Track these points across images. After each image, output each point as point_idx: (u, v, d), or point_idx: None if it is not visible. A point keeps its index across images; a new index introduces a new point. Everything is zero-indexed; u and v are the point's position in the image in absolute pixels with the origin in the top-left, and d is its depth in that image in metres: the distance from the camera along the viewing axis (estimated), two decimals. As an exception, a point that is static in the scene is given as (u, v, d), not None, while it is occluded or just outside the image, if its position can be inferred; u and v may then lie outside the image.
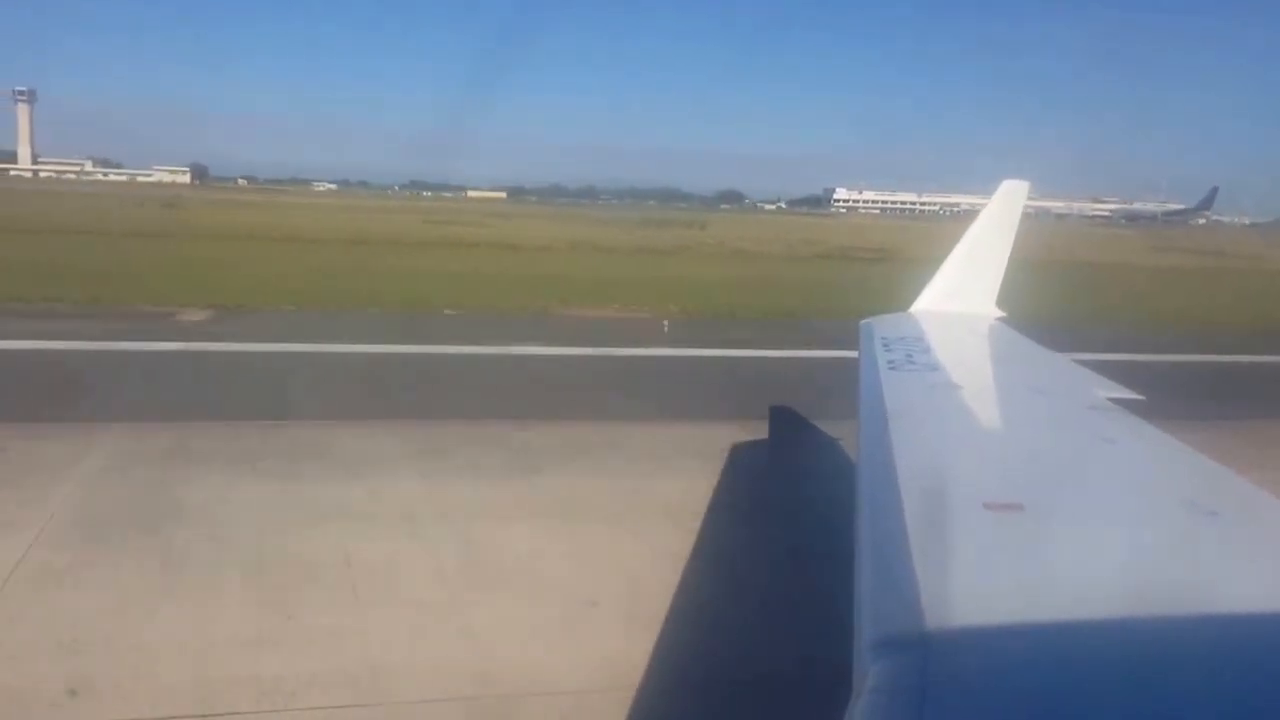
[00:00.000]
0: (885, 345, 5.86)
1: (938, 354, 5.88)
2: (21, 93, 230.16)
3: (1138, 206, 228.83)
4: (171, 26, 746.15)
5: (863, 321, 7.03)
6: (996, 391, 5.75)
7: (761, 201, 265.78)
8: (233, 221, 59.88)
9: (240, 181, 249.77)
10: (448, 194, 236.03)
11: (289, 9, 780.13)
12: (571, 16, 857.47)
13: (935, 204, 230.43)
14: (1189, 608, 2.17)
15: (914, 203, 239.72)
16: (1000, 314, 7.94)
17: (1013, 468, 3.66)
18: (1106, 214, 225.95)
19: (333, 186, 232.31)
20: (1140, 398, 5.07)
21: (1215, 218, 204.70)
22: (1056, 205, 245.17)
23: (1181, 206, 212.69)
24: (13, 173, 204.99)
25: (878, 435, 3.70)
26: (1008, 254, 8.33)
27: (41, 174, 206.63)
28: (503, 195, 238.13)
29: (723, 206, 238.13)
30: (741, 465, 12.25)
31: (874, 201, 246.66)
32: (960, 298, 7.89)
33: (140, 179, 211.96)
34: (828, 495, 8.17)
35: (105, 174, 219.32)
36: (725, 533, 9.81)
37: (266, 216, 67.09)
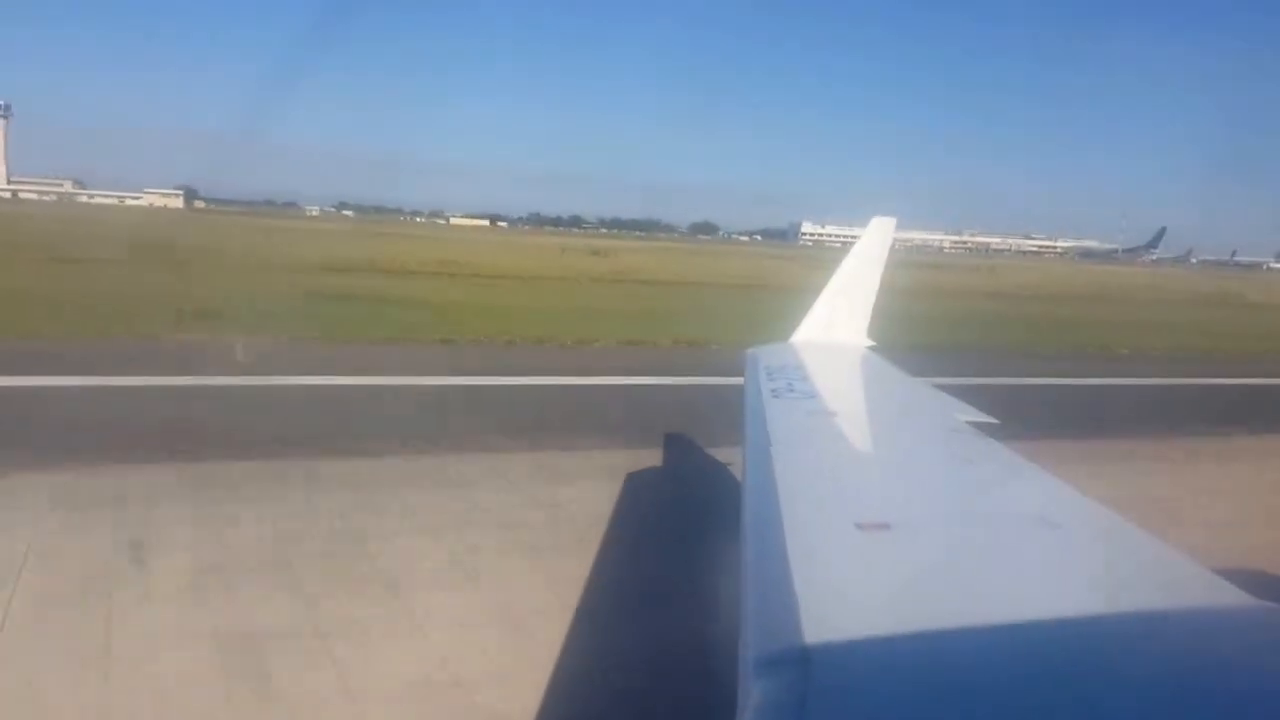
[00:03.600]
0: (769, 374, 6.18)
1: (815, 382, 6.30)
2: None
3: (1094, 244, 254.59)
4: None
5: (749, 351, 7.31)
6: (867, 417, 6.13)
7: (735, 234, 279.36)
8: (751, 270, 62.12)
9: (198, 204, 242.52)
10: (440, 221, 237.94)
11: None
12: (558, 46, 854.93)
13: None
14: (1038, 613, 2.39)
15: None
16: (870, 343, 8.30)
17: (881, 489, 3.96)
18: (1058, 250, 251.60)
19: (349, 212, 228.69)
20: (994, 420, 5.35)
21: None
22: (993, 240, 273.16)
23: (1135, 245, 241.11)
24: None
25: (761, 460, 3.89)
26: (877, 285, 8.72)
27: (21, 194, 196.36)
28: (485, 223, 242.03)
29: (700, 238, 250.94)
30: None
31: (835, 235, 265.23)
32: (835, 328, 8.28)
33: (130, 201, 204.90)
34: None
35: (90, 196, 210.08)
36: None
37: (738, 265, 73.32)
